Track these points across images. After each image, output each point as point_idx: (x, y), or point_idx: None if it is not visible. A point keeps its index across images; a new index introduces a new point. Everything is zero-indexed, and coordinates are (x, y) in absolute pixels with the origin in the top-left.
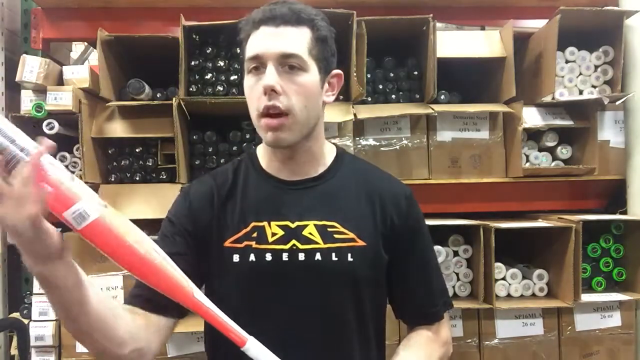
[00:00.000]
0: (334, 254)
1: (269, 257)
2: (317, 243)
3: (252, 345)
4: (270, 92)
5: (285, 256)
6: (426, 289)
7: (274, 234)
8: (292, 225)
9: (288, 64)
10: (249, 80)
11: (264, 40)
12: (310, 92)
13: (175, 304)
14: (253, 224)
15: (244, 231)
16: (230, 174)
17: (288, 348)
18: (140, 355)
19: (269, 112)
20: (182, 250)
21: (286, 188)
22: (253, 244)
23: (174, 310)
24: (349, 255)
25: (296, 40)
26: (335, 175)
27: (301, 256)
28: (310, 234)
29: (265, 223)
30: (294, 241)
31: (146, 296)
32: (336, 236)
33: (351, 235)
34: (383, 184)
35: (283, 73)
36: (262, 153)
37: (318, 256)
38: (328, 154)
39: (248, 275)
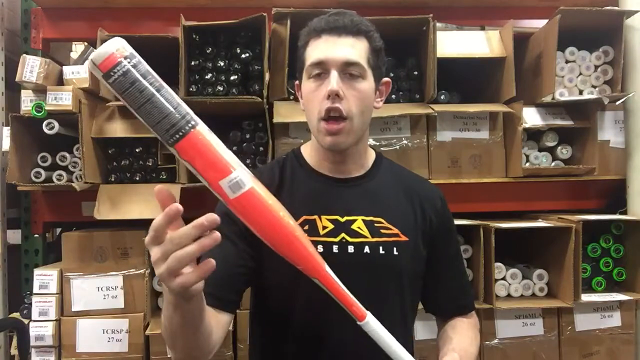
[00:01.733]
0: (381, 247)
1: (320, 248)
2: (365, 237)
3: (371, 320)
4: (334, 96)
5: (335, 248)
6: (460, 283)
7: (324, 227)
8: (342, 220)
9: (350, 71)
10: (310, 85)
11: (327, 48)
12: (367, 99)
13: (236, 299)
14: (304, 217)
15: None
16: (276, 171)
17: (336, 335)
18: (214, 355)
19: (330, 116)
20: (241, 246)
21: (334, 185)
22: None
23: (235, 306)
24: (395, 249)
25: (357, 49)
26: (377, 175)
27: (350, 248)
28: (358, 228)
29: (316, 217)
30: (343, 234)
31: (216, 294)
32: (382, 231)
33: (395, 230)
34: (420, 186)
35: (344, 79)
36: (310, 152)
37: (367, 249)
38: (369, 156)
39: None
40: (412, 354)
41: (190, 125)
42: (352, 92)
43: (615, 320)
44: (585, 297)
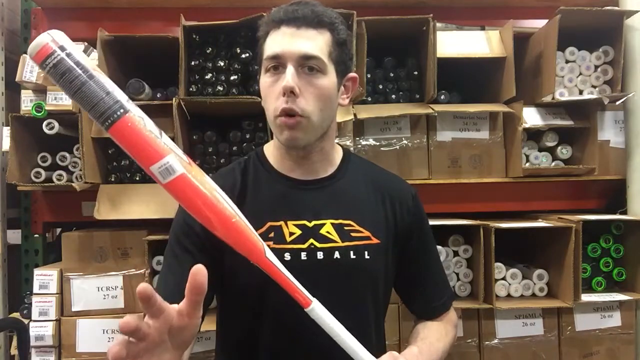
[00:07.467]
0: (352, 252)
1: (287, 256)
2: (335, 241)
3: (317, 307)
4: (289, 93)
5: (303, 255)
6: (435, 284)
7: (291, 234)
8: (310, 225)
9: (308, 65)
10: (266, 79)
11: (284, 40)
12: (327, 96)
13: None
14: (269, 223)
15: (259, 231)
16: (237, 175)
17: (309, 344)
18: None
19: (286, 114)
20: (201, 258)
21: (300, 187)
22: (271, 244)
23: (201, 321)
24: (366, 252)
25: (317, 42)
26: (345, 174)
27: (320, 255)
28: (327, 232)
29: (282, 222)
30: (311, 240)
31: None
32: (353, 234)
33: (366, 233)
34: (390, 184)
35: (302, 74)
36: (273, 152)
37: (337, 254)
38: (336, 154)
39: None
40: (384, 350)
41: (120, 111)
42: (310, 89)
43: (615, 320)
44: (585, 297)
